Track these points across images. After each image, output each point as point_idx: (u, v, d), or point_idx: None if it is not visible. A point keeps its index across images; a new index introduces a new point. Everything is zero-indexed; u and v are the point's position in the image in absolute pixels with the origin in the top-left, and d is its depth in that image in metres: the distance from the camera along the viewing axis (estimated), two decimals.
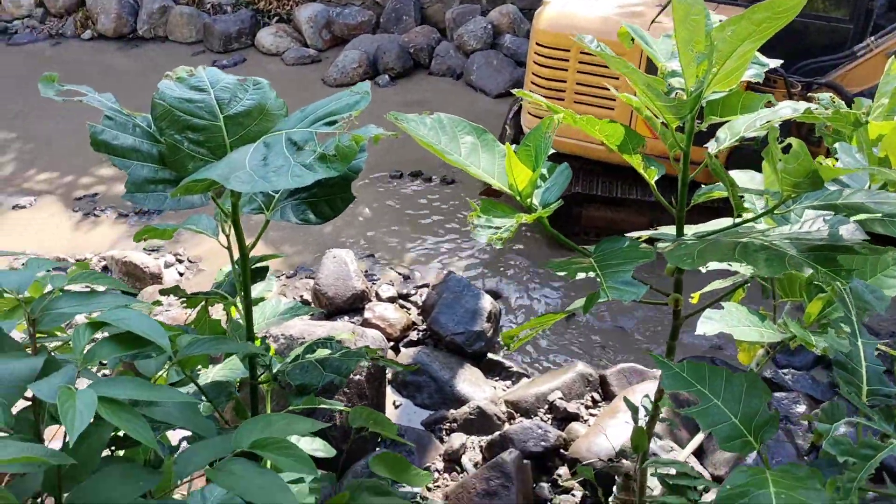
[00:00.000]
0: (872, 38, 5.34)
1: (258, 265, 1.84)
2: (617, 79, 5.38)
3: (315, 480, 1.79)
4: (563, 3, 5.87)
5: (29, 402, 1.26)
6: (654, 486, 1.87)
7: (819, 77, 5.36)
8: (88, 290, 1.52)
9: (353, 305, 5.29)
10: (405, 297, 5.60)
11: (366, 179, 6.94)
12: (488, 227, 1.24)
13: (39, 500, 1.33)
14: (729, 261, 1.20)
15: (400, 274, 5.93)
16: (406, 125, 1.38)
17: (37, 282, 1.42)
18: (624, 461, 1.89)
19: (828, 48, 5.47)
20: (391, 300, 5.47)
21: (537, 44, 5.71)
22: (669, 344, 1.52)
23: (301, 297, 5.51)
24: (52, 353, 1.30)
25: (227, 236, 1.76)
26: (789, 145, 1.13)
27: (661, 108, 1.29)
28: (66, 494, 1.20)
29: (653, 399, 1.60)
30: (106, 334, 1.19)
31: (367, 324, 5.06)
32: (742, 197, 1.49)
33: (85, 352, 1.16)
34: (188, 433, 2.10)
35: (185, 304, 1.90)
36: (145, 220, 6.23)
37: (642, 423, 1.57)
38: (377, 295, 5.49)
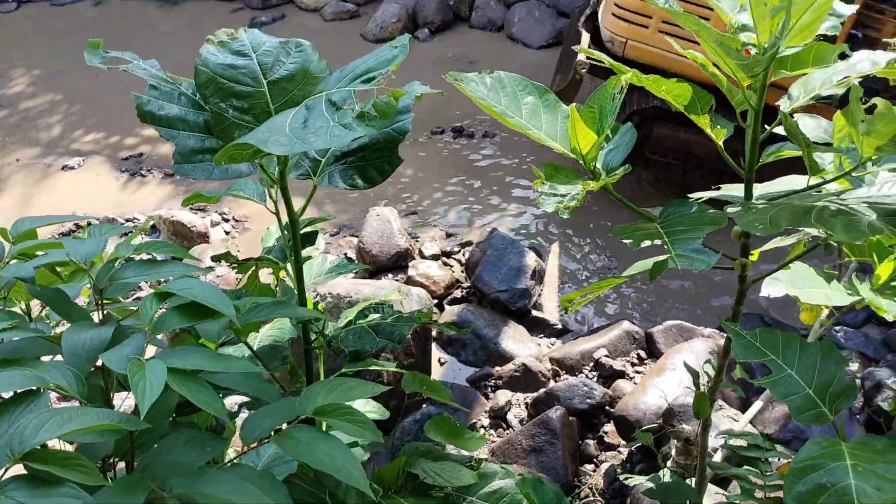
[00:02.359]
0: None
1: (307, 230, 1.83)
2: (711, 9, 5.01)
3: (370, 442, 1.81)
4: None
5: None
6: (715, 451, 1.85)
7: None
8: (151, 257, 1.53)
9: (396, 263, 5.31)
10: (449, 254, 5.60)
11: (407, 138, 6.90)
12: (553, 196, 1.21)
13: (109, 462, 1.37)
14: (804, 226, 1.15)
15: (443, 231, 5.91)
16: (465, 86, 1.34)
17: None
18: (683, 426, 1.87)
19: None
20: (435, 258, 5.47)
21: None
22: (735, 310, 1.48)
23: (345, 255, 5.55)
24: (118, 321, 1.32)
25: (275, 202, 1.75)
26: (873, 106, 1.07)
27: (732, 67, 1.23)
28: (136, 460, 1.22)
29: (715, 364, 1.57)
30: (171, 304, 1.20)
31: (411, 281, 5.09)
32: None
33: (153, 322, 1.17)
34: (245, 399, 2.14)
35: (236, 270, 1.91)
36: (191, 181, 6.30)
37: (703, 388, 1.54)
38: (421, 252, 5.50)
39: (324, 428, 1.46)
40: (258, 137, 1.21)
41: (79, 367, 1.11)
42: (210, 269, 1.86)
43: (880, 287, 1.63)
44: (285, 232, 1.77)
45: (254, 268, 1.88)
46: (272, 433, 1.24)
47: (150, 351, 1.20)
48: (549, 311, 5.14)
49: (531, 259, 5.13)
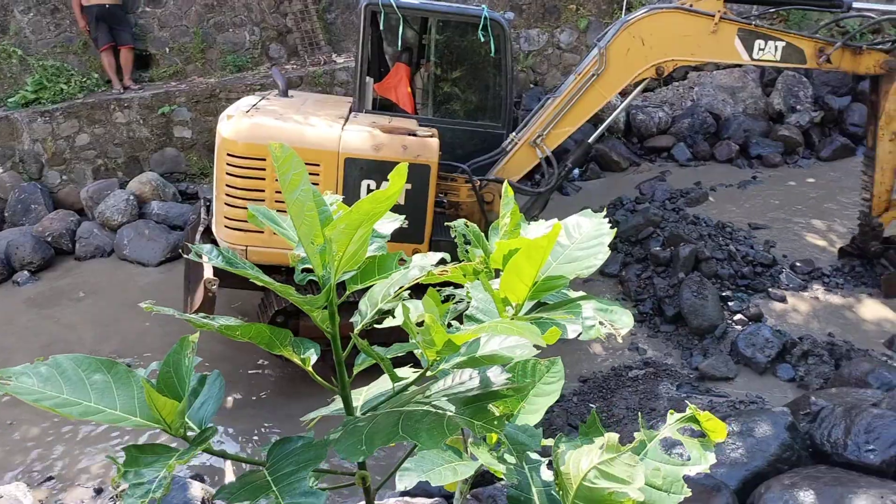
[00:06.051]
0: (514, 133, 6.50)
1: None
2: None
3: None
4: (251, 112, 5.79)
5: None
6: None
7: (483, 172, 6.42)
8: None
9: None
10: None
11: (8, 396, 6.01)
12: (140, 485, 1.10)
13: None
14: (396, 441, 1.21)
15: (90, 488, 5.19)
16: (12, 386, 1.16)
17: None
18: None
19: (489, 148, 6.54)
20: None
21: (229, 154, 5.53)
22: None
23: None
24: None
25: None
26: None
27: (300, 302, 1.28)
28: None
29: None
30: None
31: None
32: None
33: None
34: None
35: None
36: None
37: None
38: None
39: None
40: None
41: None
42: None
43: (494, 447, 1.77)
44: None
45: None
46: None
47: None
48: None
49: (196, 489, 4.71)
